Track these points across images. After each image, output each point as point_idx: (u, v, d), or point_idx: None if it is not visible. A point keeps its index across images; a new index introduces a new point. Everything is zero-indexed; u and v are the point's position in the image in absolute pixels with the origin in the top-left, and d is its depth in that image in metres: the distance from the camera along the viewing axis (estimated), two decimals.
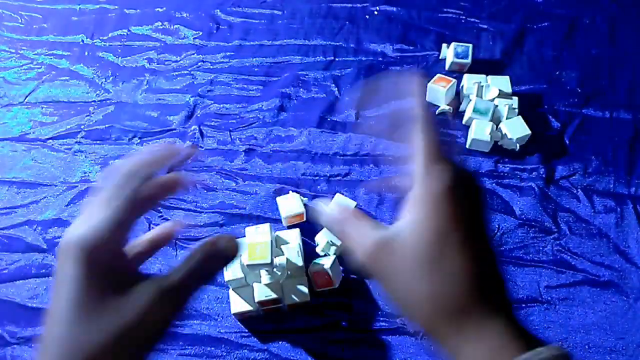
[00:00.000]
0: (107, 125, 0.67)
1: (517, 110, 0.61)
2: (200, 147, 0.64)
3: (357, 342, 0.50)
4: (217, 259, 0.28)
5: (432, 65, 0.70)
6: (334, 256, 0.51)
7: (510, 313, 0.27)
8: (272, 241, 0.48)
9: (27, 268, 0.56)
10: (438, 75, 0.65)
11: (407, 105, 0.33)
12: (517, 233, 0.55)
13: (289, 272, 0.50)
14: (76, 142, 0.66)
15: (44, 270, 0.55)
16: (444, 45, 0.70)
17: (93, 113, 0.69)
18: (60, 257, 0.27)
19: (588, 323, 0.50)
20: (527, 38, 0.72)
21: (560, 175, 0.59)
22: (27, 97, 0.71)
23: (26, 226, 0.59)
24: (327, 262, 0.50)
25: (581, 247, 0.54)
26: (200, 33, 0.76)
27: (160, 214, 0.58)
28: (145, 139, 0.66)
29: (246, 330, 0.51)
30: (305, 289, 0.50)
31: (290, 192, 0.57)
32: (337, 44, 0.73)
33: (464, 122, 0.63)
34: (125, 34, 0.77)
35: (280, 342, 0.50)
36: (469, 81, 0.64)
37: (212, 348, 0.50)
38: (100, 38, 0.77)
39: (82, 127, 0.67)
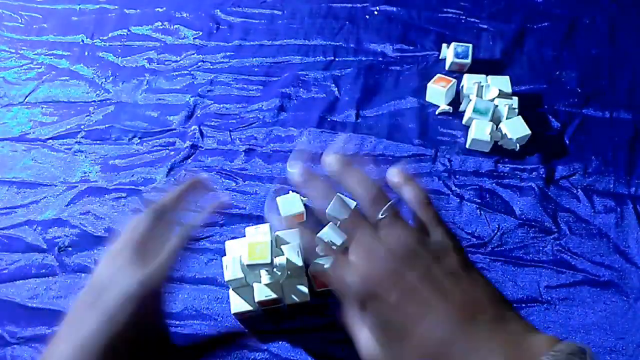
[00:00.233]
0: (107, 125, 0.67)
1: (517, 110, 0.61)
2: (200, 147, 0.64)
3: None
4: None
5: (432, 65, 0.70)
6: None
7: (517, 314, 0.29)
8: (272, 241, 0.48)
9: (27, 268, 0.56)
10: (438, 75, 0.65)
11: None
12: (517, 233, 0.55)
13: (289, 272, 0.50)
14: (76, 142, 0.66)
15: (44, 270, 0.55)
16: (444, 45, 0.70)
17: (93, 113, 0.69)
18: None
19: (588, 323, 0.49)
20: (527, 38, 0.72)
21: (560, 175, 0.59)
22: (27, 97, 0.71)
23: (26, 226, 0.59)
24: (327, 262, 0.50)
25: (581, 247, 0.54)
26: (200, 33, 0.76)
27: None
28: (145, 139, 0.66)
29: (246, 330, 0.51)
30: (305, 289, 0.50)
31: (290, 192, 0.57)
32: (337, 44, 0.73)
33: (464, 122, 0.63)
34: (125, 34, 0.78)
35: (280, 342, 0.50)
36: (469, 81, 0.64)
37: None
38: (100, 38, 0.77)
39: (82, 127, 0.67)
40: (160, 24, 0.78)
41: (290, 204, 0.55)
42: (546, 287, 0.51)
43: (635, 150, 0.60)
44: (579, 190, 0.58)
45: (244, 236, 0.52)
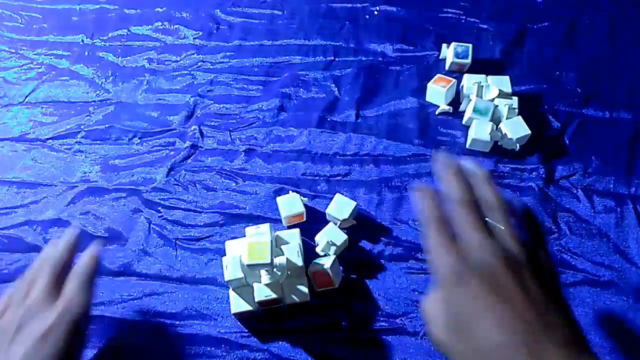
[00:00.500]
0: (107, 125, 0.67)
1: (517, 110, 0.61)
2: (200, 147, 0.64)
3: (357, 342, 0.50)
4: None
5: (432, 65, 0.70)
6: (334, 256, 0.51)
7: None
8: (272, 241, 0.48)
9: (27, 268, 0.55)
10: (438, 75, 0.65)
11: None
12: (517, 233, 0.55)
13: (289, 272, 0.50)
14: (76, 142, 0.66)
15: None
16: (444, 45, 0.70)
17: (93, 113, 0.69)
18: None
19: (588, 323, 0.50)
20: (527, 38, 0.72)
21: (560, 175, 0.59)
22: (27, 97, 0.71)
23: (26, 226, 0.59)
24: (327, 262, 0.50)
25: (581, 247, 0.54)
26: (200, 33, 0.76)
27: (160, 214, 0.58)
28: (145, 139, 0.66)
29: (246, 330, 0.51)
30: (305, 289, 0.50)
31: (290, 192, 0.57)
32: (337, 44, 0.73)
33: (464, 122, 0.63)
34: (125, 34, 0.78)
35: (280, 342, 0.50)
36: (469, 81, 0.64)
37: (212, 348, 0.50)
38: (100, 38, 0.77)
39: (82, 127, 0.67)
40: (160, 24, 0.78)
41: (291, 204, 0.55)
42: None
43: (635, 150, 0.60)
44: (579, 190, 0.58)
45: (244, 236, 0.52)
